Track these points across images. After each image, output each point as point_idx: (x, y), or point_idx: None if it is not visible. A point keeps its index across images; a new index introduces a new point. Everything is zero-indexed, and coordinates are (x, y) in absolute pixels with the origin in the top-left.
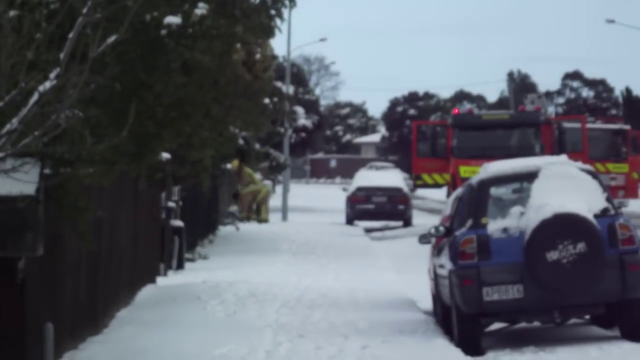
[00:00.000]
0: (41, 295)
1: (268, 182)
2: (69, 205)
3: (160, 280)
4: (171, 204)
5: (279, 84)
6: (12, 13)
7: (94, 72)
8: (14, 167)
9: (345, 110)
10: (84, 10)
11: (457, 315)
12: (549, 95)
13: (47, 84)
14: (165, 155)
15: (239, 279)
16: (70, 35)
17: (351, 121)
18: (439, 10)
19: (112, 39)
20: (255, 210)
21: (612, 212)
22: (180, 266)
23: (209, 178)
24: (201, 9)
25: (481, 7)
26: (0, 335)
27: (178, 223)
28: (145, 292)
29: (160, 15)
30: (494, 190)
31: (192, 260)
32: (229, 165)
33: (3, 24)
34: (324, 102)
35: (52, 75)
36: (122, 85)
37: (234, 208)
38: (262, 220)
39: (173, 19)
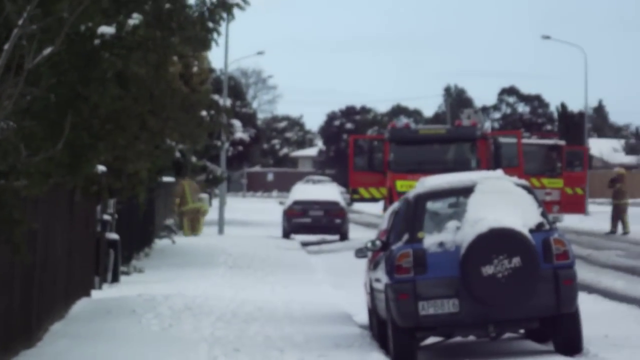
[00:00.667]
0: None
1: (204, 196)
2: (4, 218)
3: (95, 293)
4: (107, 217)
5: (216, 96)
6: None
7: (30, 83)
8: None
9: (283, 124)
10: (20, 22)
11: (392, 329)
12: (485, 110)
13: None
14: (101, 168)
15: (175, 293)
16: (6, 46)
17: (288, 135)
18: (377, 24)
19: (47, 50)
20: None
21: (547, 227)
22: (115, 279)
23: (145, 191)
24: (135, 20)
25: (418, 21)
26: None
27: (113, 236)
28: (80, 306)
29: (94, 26)
30: (431, 205)
31: (127, 273)
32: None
33: None
34: (261, 116)
35: None
36: (57, 96)
37: (170, 221)
38: (196, 234)
39: (107, 29)
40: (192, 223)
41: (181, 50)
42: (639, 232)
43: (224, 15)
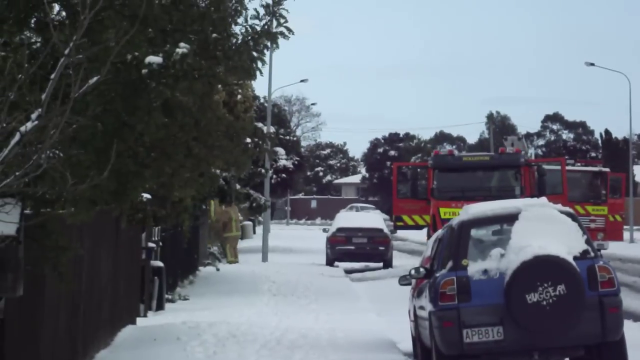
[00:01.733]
0: (21, 336)
1: (248, 223)
2: (50, 245)
3: (140, 320)
4: (151, 244)
5: (260, 124)
6: None
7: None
8: None
9: (326, 151)
10: (66, 51)
11: (437, 357)
12: (528, 137)
13: (29, 125)
14: (146, 196)
15: (219, 320)
16: (52, 75)
17: (332, 162)
18: (419, 51)
19: (94, 79)
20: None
21: (592, 254)
22: (160, 307)
23: (189, 218)
24: (182, 49)
25: (461, 48)
26: None
27: (158, 263)
28: (125, 333)
29: (141, 55)
30: (475, 232)
31: (172, 300)
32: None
33: None
34: (304, 143)
35: (34, 115)
36: (103, 125)
37: (214, 248)
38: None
39: (154, 59)
40: (234, 250)
41: (226, 79)
42: None
43: (268, 44)
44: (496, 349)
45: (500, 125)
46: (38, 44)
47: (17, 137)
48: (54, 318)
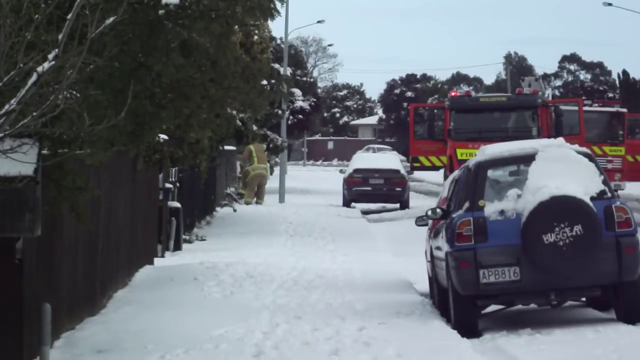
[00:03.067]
0: (39, 276)
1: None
2: (67, 186)
3: (157, 261)
4: (169, 185)
5: (276, 65)
6: None
7: (93, 52)
8: (12, 147)
9: (343, 93)
10: None
11: (453, 297)
12: (546, 78)
13: (46, 65)
14: (163, 137)
15: (236, 261)
16: (69, 16)
17: (348, 103)
18: None
19: (110, 20)
20: (256, 193)
21: (609, 194)
22: (177, 247)
23: (206, 159)
24: None
25: None
26: None
27: (175, 204)
28: (143, 273)
29: None
30: (491, 173)
31: (189, 241)
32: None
33: (2, 5)
34: (321, 84)
35: (51, 56)
36: (120, 65)
37: (231, 189)
38: (259, 202)
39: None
40: (259, 189)
41: (243, 19)
42: None
43: None
44: (513, 289)
45: (517, 66)
46: None
47: (34, 77)
48: (72, 258)
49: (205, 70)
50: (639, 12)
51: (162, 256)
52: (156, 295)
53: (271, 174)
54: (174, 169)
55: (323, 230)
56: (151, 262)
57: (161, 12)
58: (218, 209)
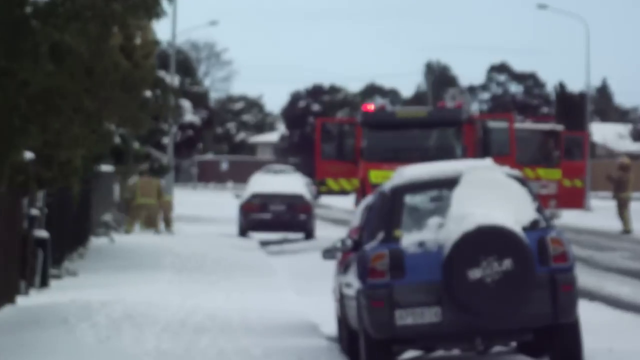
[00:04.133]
0: None
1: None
2: None
3: (20, 299)
4: (35, 212)
5: (162, 73)
6: None
7: None
8: None
9: (239, 105)
10: None
11: (365, 342)
12: (472, 90)
13: None
14: (29, 155)
15: (114, 299)
16: None
17: (246, 117)
18: None
19: None
20: (164, 223)
21: (543, 224)
22: (44, 284)
23: (79, 182)
24: None
25: None
26: None
27: (42, 233)
28: (3, 314)
29: None
30: (409, 199)
31: (58, 277)
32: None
33: None
34: (214, 95)
35: None
36: None
37: (108, 216)
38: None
39: None
40: (153, 219)
41: (125, 19)
42: None
43: None
44: (433, 333)
45: (439, 77)
46: None
47: None
48: None
49: (79, 79)
50: (577, 15)
51: (26, 294)
52: (18, 340)
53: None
54: (41, 193)
55: (215, 264)
56: (13, 301)
57: (28, 9)
58: (93, 239)
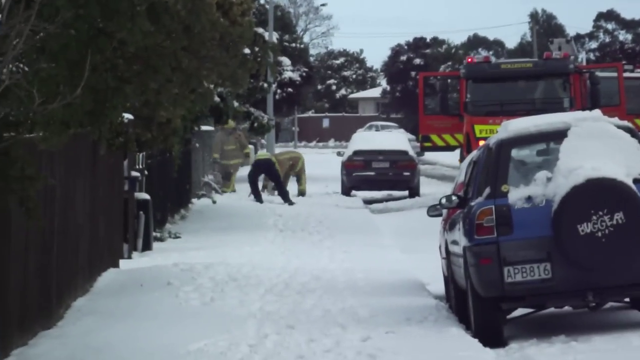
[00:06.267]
0: None
1: (250, 147)
2: (15, 175)
3: (124, 263)
4: (135, 174)
5: (260, 30)
6: None
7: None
8: None
9: (339, 61)
10: None
11: (474, 300)
12: (579, 39)
13: None
14: (128, 116)
15: (217, 261)
16: None
17: (346, 73)
18: None
19: None
20: (297, 180)
21: None
22: (147, 247)
23: (179, 142)
24: None
25: None
26: None
27: (144, 196)
28: (107, 278)
29: None
30: (516, 153)
31: (161, 239)
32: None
33: None
34: (314, 52)
35: None
36: (76, 33)
37: (209, 177)
38: (302, 191)
39: None
40: (299, 175)
41: None
42: None
43: None
44: (543, 289)
45: (545, 26)
46: None
47: None
48: (22, 261)
49: (177, 37)
50: None
51: (129, 257)
52: (122, 303)
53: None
54: (141, 155)
55: (319, 223)
56: (116, 265)
57: None
58: (194, 200)
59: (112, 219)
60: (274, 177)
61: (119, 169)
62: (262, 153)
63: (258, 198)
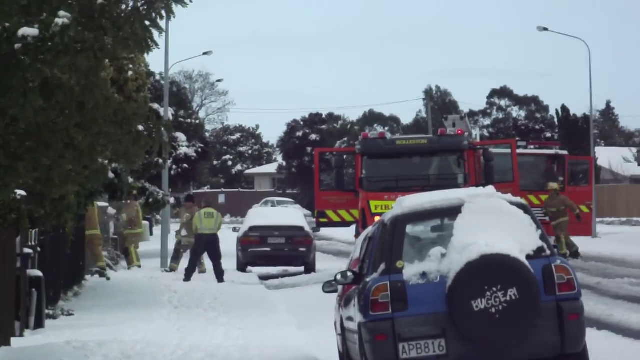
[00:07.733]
0: None
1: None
2: None
3: (15, 341)
4: (28, 250)
5: (155, 106)
6: None
7: None
8: None
9: (235, 137)
10: None
11: None
12: (473, 115)
13: None
14: (21, 192)
15: (110, 338)
16: None
17: (242, 149)
18: (345, 20)
19: None
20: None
21: (548, 252)
22: (39, 324)
23: (73, 219)
24: (62, 19)
25: (396, 15)
26: None
27: (36, 273)
28: None
29: (13, 27)
30: (411, 229)
31: (53, 317)
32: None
33: None
34: (209, 127)
35: None
36: None
37: (104, 253)
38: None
39: (29, 31)
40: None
41: (115, 52)
42: None
43: (163, 11)
44: None
45: (439, 103)
46: None
47: None
48: None
49: (70, 114)
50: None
51: (21, 335)
52: None
53: (151, 234)
54: (34, 231)
55: (214, 300)
56: (8, 343)
57: (17, 45)
58: (88, 277)
59: (4, 296)
60: (217, 255)
61: (11, 246)
62: (208, 224)
63: (188, 276)
